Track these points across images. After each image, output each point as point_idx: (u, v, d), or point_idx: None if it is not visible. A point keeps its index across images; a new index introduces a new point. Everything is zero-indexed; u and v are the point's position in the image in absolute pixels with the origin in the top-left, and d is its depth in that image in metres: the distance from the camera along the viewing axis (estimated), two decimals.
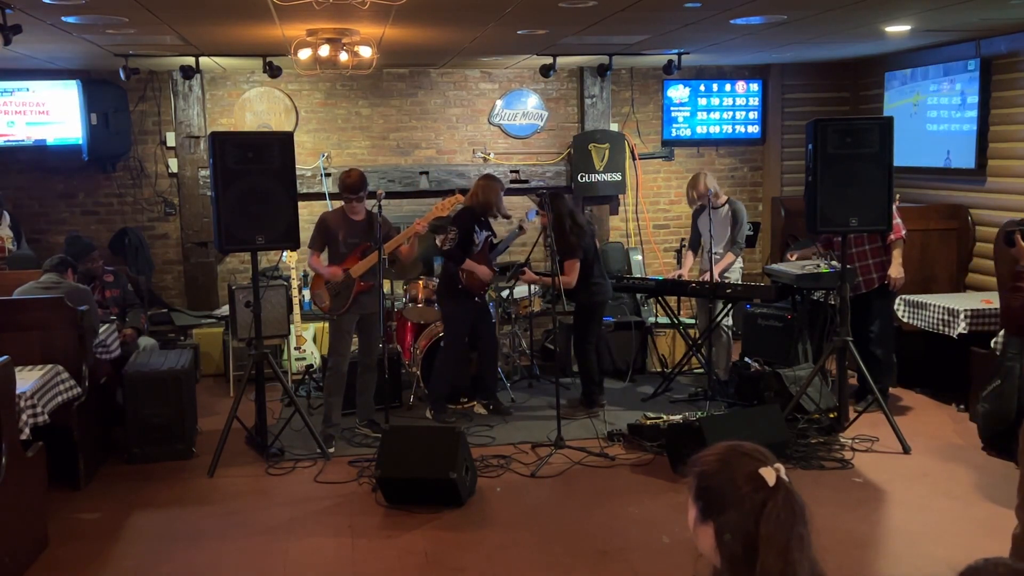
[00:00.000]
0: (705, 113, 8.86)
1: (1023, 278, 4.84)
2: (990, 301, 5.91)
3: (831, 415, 5.80)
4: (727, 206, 6.77)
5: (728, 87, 8.87)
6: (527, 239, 7.89)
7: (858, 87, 8.86)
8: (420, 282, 6.82)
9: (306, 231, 7.18)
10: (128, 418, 5.55)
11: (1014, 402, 5.13)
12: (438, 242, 6.15)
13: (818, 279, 6.24)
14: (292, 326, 7.03)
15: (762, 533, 1.65)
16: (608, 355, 7.20)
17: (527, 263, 7.18)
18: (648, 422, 5.69)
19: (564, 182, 8.65)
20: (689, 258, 6.98)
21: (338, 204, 7.63)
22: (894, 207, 6.03)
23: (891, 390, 6.44)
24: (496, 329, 7.08)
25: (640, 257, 8.63)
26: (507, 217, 6.50)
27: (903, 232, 6.09)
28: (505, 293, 7.15)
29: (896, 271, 6.06)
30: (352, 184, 5.70)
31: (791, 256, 6.59)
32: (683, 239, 7.72)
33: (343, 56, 5.94)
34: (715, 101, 8.87)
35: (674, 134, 8.84)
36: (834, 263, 6.26)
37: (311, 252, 5.82)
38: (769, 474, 1.70)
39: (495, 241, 6.42)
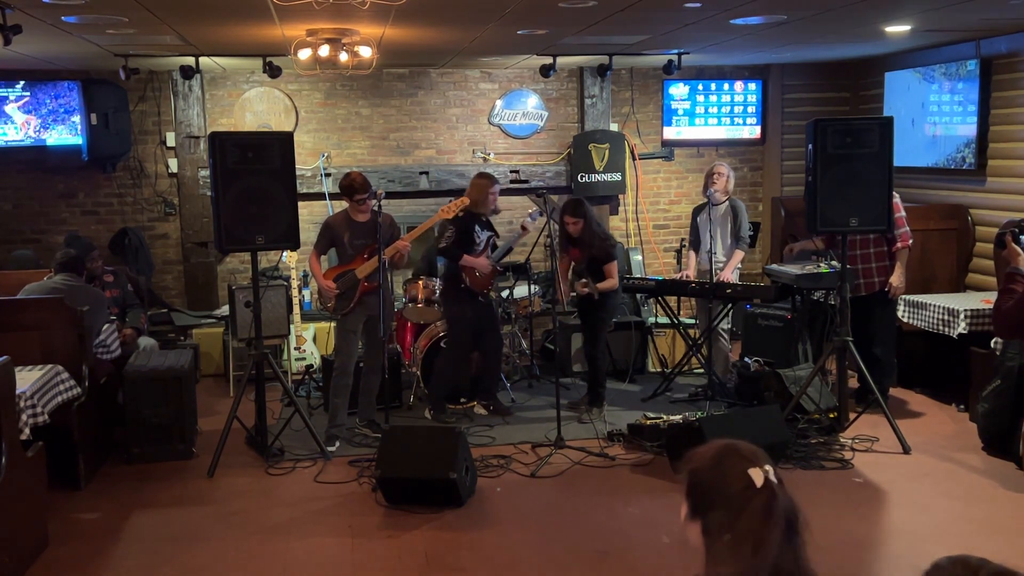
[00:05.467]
0: (705, 113, 8.87)
1: (1014, 280, 4.84)
2: (990, 301, 5.89)
3: (831, 415, 5.80)
4: (727, 203, 6.77)
5: (728, 87, 8.87)
6: (528, 239, 7.89)
7: (858, 87, 8.86)
8: (420, 282, 6.81)
9: (306, 231, 7.22)
10: (128, 418, 5.55)
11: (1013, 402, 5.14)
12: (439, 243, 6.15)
13: (818, 279, 6.24)
14: (292, 326, 7.03)
15: (739, 530, 1.65)
16: (608, 355, 7.19)
17: (527, 263, 7.19)
18: (648, 422, 5.68)
19: (564, 182, 8.65)
20: (692, 259, 6.96)
21: (338, 205, 7.67)
22: (903, 213, 6.03)
23: (891, 390, 6.43)
24: (500, 330, 7.09)
25: (640, 257, 8.64)
26: (493, 212, 6.30)
27: (910, 241, 6.07)
28: (505, 293, 7.15)
29: (898, 279, 6.03)
30: (361, 184, 5.69)
31: (791, 248, 6.55)
32: (683, 239, 7.72)
33: (343, 56, 5.94)
34: (715, 101, 8.87)
35: (674, 134, 8.85)
36: (834, 263, 6.26)
37: (313, 252, 5.83)
38: (757, 475, 1.69)
39: (498, 242, 6.39)
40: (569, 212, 6.19)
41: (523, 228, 6.43)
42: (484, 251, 6.19)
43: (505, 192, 8.43)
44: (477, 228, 6.12)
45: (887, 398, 6.14)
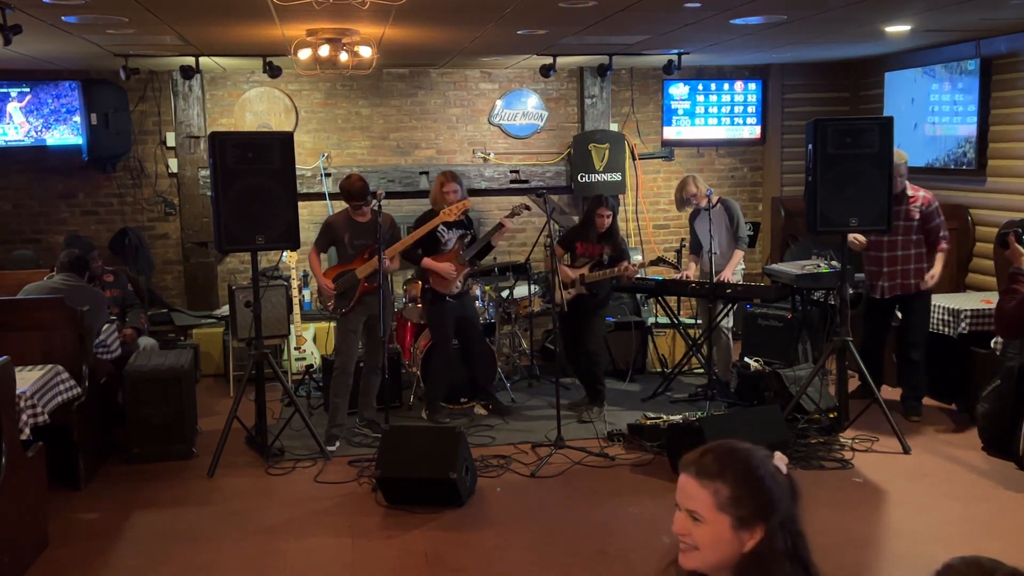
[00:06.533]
0: (705, 113, 8.87)
1: (1016, 280, 4.84)
2: (990, 301, 5.90)
3: (831, 415, 5.80)
4: (719, 204, 6.70)
5: (728, 87, 8.87)
6: (527, 239, 7.89)
7: (858, 87, 8.86)
8: (419, 282, 6.81)
9: (306, 231, 7.21)
10: (128, 418, 5.55)
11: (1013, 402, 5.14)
12: None
13: (818, 279, 6.23)
14: (292, 326, 7.03)
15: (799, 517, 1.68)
16: (608, 355, 7.18)
17: (527, 263, 7.19)
18: (648, 422, 5.69)
19: (564, 182, 8.65)
20: (692, 264, 6.91)
21: (338, 205, 7.67)
22: (943, 219, 5.98)
23: (889, 390, 6.37)
24: (496, 329, 7.07)
25: (640, 257, 8.62)
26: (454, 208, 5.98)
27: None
28: (505, 293, 7.15)
29: (939, 273, 5.97)
30: (358, 191, 5.68)
31: (857, 238, 6.04)
32: (683, 239, 7.71)
33: (343, 56, 5.94)
34: (715, 101, 8.87)
35: (674, 134, 8.85)
36: (834, 263, 6.26)
37: (313, 248, 5.83)
38: (782, 460, 1.72)
39: (467, 241, 6.14)
40: (604, 204, 6.24)
41: (501, 224, 6.08)
42: (454, 250, 6.06)
43: (505, 192, 8.47)
44: (442, 228, 6.02)
45: (922, 404, 6.13)
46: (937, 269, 6.00)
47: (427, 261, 5.97)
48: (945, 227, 6.04)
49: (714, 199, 6.65)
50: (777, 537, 1.66)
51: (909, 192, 5.94)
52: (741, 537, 1.67)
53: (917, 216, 5.92)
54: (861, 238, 6.00)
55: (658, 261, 6.32)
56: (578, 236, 6.39)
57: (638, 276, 7.35)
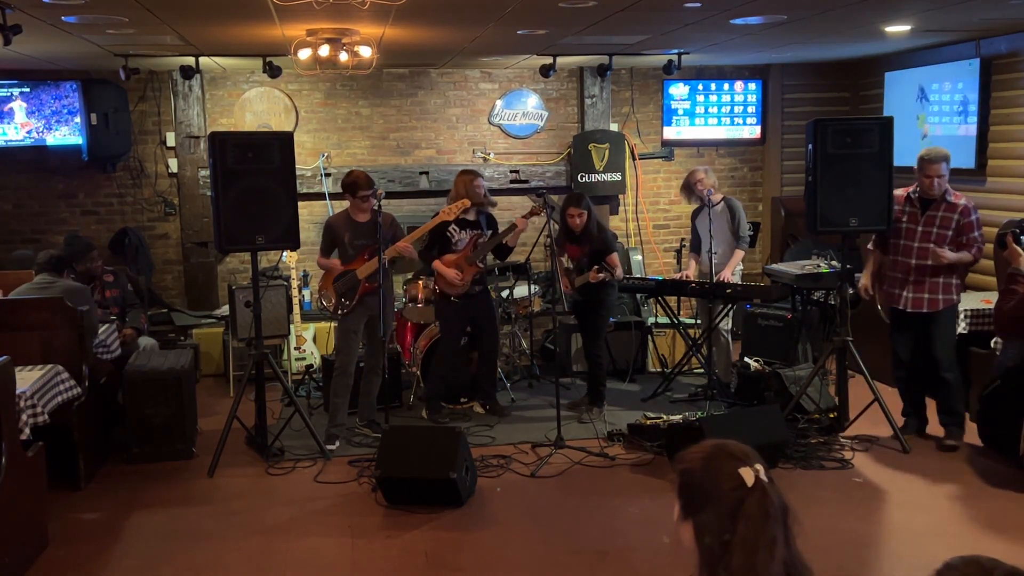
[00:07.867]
0: (705, 113, 8.87)
1: (1015, 280, 4.84)
2: (990, 301, 5.90)
3: (831, 415, 5.80)
4: (723, 203, 6.69)
5: (728, 87, 8.86)
6: (527, 238, 7.87)
7: (858, 87, 8.86)
8: (420, 282, 6.82)
9: (306, 231, 7.22)
10: (128, 418, 5.55)
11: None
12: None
13: (818, 279, 6.23)
14: (292, 326, 7.03)
15: (737, 532, 1.65)
16: (608, 355, 7.18)
17: (527, 263, 7.18)
18: (648, 422, 5.69)
19: (564, 182, 8.65)
20: (693, 264, 6.89)
21: (338, 205, 7.67)
22: (981, 232, 5.39)
23: (889, 390, 6.35)
24: (498, 330, 7.07)
25: (640, 257, 8.64)
26: (490, 204, 6.23)
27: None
28: (505, 293, 7.15)
29: (948, 260, 5.37)
30: (365, 181, 5.68)
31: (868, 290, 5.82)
32: (683, 239, 7.71)
33: (343, 56, 5.94)
34: (715, 101, 8.87)
35: (674, 134, 8.84)
36: (834, 263, 6.26)
37: (320, 255, 5.87)
38: (747, 474, 1.70)
39: (481, 241, 6.16)
40: (574, 203, 6.18)
41: (514, 225, 6.09)
42: (466, 249, 6.10)
43: (505, 192, 8.46)
44: (453, 227, 6.07)
45: (964, 428, 5.57)
46: (953, 256, 5.32)
47: (437, 263, 6.05)
48: (982, 242, 5.37)
49: (717, 197, 6.65)
50: (704, 537, 1.69)
51: (950, 198, 5.35)
52: (686, 527, 1.74)
53: (954, 225, 5.33)
54: (869, 290, 5.74)
55: (600, 269, 6.09)
56: (563, 240, 6.38)
57: (637, 276, 7.36)
